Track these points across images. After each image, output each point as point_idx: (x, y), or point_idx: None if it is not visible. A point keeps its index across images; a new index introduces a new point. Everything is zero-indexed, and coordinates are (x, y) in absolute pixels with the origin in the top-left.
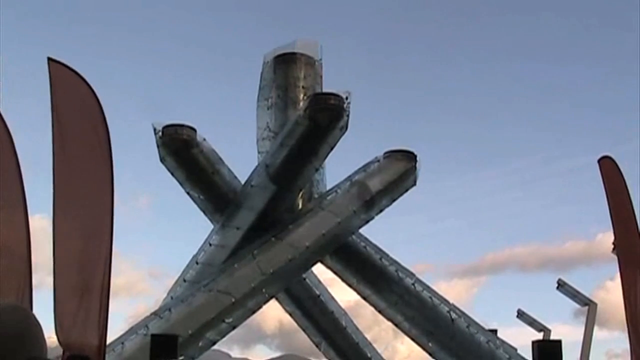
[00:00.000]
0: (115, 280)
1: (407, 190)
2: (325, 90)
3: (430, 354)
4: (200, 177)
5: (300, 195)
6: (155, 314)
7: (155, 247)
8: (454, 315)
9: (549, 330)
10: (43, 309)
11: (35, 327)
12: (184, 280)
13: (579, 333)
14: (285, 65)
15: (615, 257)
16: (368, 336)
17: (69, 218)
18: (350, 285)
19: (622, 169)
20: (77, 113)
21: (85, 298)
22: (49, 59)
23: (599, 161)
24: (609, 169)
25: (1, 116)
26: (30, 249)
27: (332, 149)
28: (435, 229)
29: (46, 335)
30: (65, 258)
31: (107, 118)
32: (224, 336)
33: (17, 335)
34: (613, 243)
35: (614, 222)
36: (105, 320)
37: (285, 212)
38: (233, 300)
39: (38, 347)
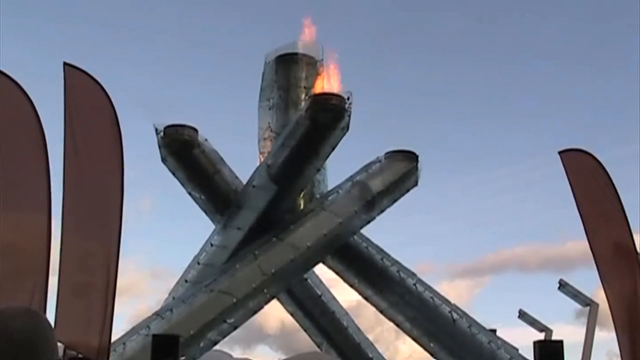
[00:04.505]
0: (118, 281)
1: (408, 191)
2: (326, 90)
3: (431, 354)
4: (201, 178)
5: (301, 195)
6: (156, 314)
7: (158, 247)
8: (455, 316)
9: (551, 331)
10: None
11: (47, 332)
12: (186, 281)
13: (580, 333)
14: (287, 66)
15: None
16: (370, 336)
17: (77, 219)
18: (351, 286)
19: (620, 169)
20: (90, 117)
21: (89, 298)
22: (65, 63)
23: (560, 154)
24: (575, 162)
25: (40, 123)
26: (50, 251)
27: (333, 149)
28: (436, 229)
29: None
30: (71, 258)
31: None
32: (225, 336)
33: (29, 342)
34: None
35: (584, 219)
36: (110, 320)
37: (287, 212)
38: (234, 300)
39: (49, 353)
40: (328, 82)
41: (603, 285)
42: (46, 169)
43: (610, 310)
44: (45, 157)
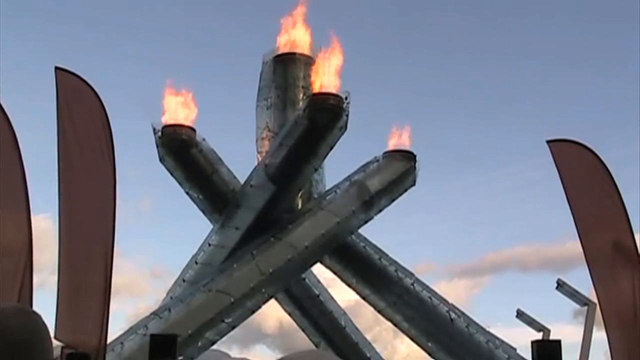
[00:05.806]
0: (118, 280)
1: (406, 190)
2: (324, 90)
3: (429, 354)
4: (199, 177)
5: (299, 195)
6: (154, 314)
7: (158, 247)
8: (453, 315)
9: (549, 330)
10: (44, 309)
11: (43, 330)
12: (184, 280)
13: (578, 333)
14: (285, 65)
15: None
16: (368, 336)
17: (73, 220)
18: (349, 285)
19: (621, 169)
20: (83, 120)
21: (87, 297)
22: (57, 68)
23: (548, 143)
24: (566, 154)
25: (7, 118)
26: (32, 250)
27: (331, 149)
28: (436, 229)
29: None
30: (69, 258)
31: (110, 121)
32: (223, 336)
33: (26, 341)
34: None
35: (576, 216)
36: (106, 319)
37: (285, 212)
38: (232, 300)
39: (45, 351)
40: (326, 82)
41: (595, 285)
42: (20, 167)
43: (602, 310)
44: (18, 155)
